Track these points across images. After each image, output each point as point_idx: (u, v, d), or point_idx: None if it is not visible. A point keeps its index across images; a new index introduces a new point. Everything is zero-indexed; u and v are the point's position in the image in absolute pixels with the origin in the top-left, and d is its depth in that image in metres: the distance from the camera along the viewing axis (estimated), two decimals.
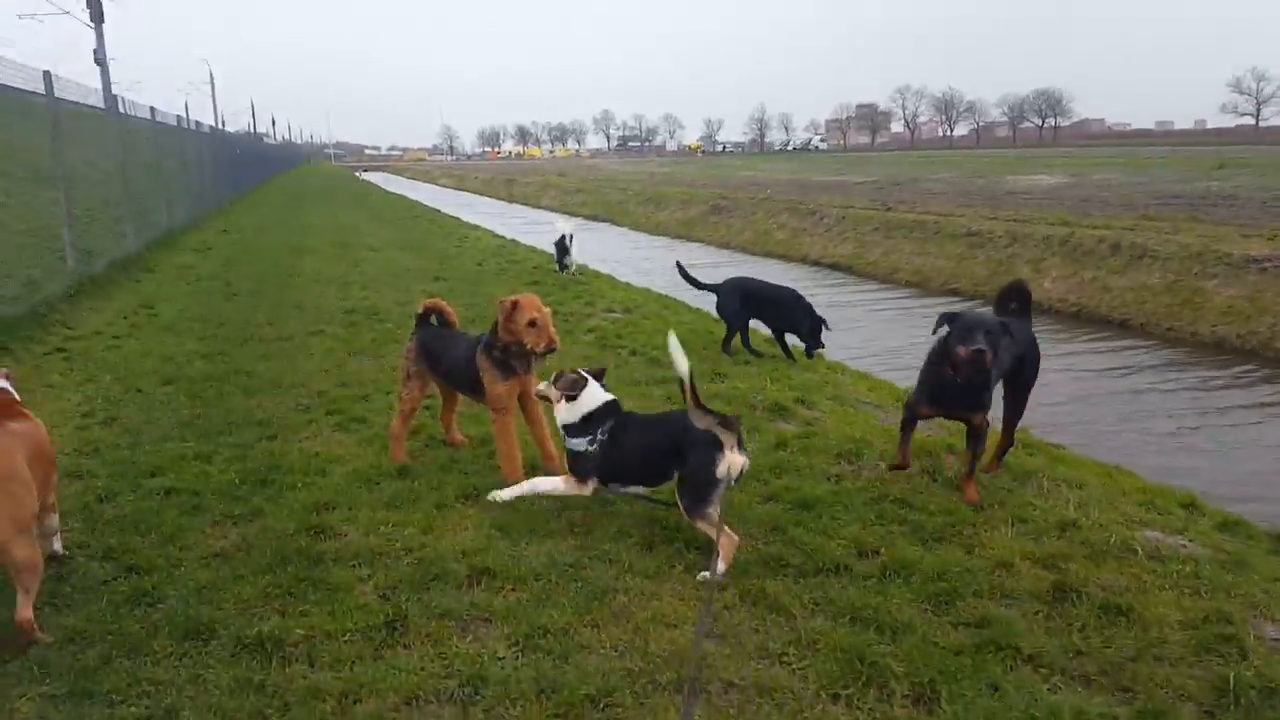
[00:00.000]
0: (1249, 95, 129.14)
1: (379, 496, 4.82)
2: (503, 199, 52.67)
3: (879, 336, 13.56)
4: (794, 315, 8.41)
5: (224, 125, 38.83)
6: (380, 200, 38.32)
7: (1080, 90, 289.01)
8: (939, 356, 4.85)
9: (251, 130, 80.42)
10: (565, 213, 37.86)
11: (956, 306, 17.25)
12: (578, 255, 14.63)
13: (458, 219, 27.30)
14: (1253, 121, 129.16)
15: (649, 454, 4.27)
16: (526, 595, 3.74)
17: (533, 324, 4.74)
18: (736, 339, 8.48)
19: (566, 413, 4.42)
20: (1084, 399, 10.20)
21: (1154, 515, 4.85)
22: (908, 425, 5.13)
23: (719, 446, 4.02)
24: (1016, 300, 5.35)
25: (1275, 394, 10.77)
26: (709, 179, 49.36)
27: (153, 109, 18.96)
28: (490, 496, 4.51)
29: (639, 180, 51.02)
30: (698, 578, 3.93)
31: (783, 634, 3.48)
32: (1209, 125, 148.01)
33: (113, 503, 4.75)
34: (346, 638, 3.42)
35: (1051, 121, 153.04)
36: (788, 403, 6.60)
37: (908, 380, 9.35)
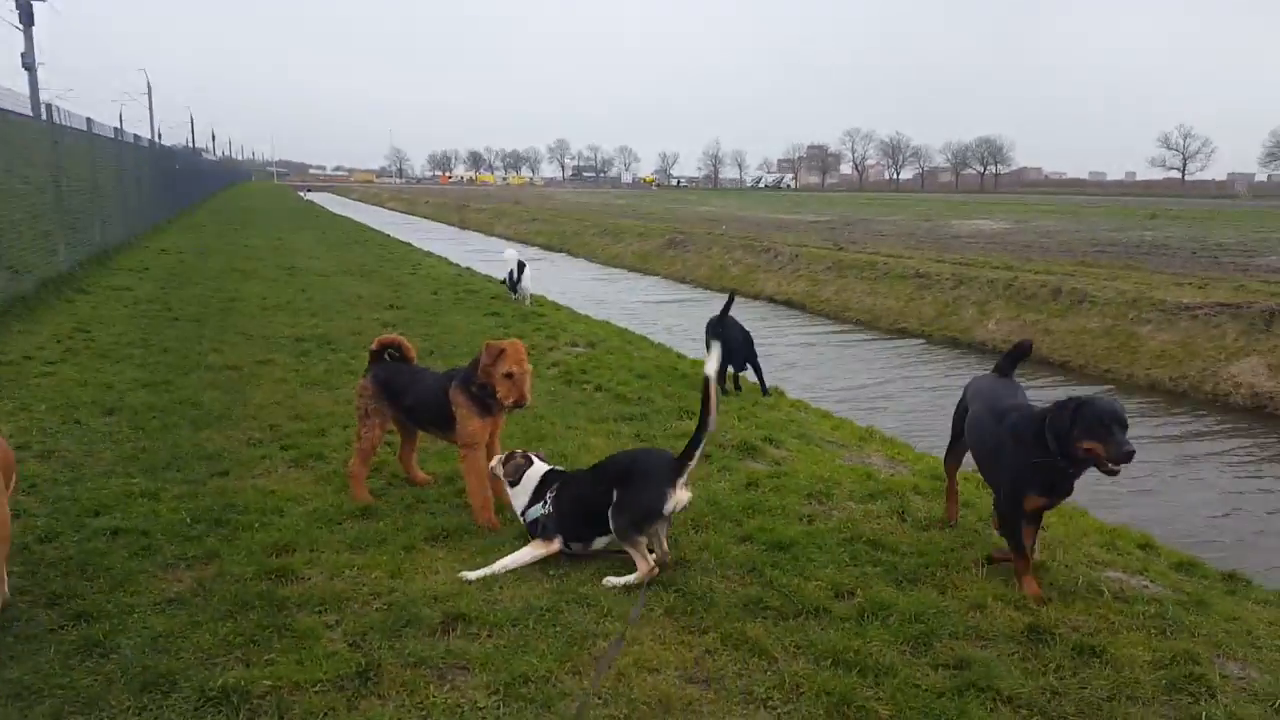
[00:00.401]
0: (1176, 150, 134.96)
1: (341, 538, 4.65)
2: (455, 225, 52.31)
3: (835, 374, 13.70)
4: (752, 352, 9.14)
5: (161, 139, 37.82)
6: (327, 222, 37.76)
7: (1020, 140, 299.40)
8: (1044, 440, 4.13)
9: (190, 145, 78.50)
10: (520, 242, 37.92)
11: (904, 344, 17.65)
12: (532, 285, 14.63)
13: (409, 245, 27.00)
14: (1179, 175, 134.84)
15: (591, 505, 4.40)
16: (504, 641, 3.62)
17: (509, 376, 4.76)
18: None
19: (517, 494, 4.70)
20: None
21: (1115, 556, 4.91)
22: (1016, 522, 4.32)
23: (669, 482, 4.20)
24: (1022, 359, 5.10)
25: (1211, 436, 11.10)
26: (665, 212, 49.74)
27: (89, 120, 18.39)
28: (460, 576, 4.23)
29: (595, 211, 51.21)
30: (604, 582, 4.17)
31: (766, 678, 3.42)
32: (1138, 177, 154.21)
33: (55, 543, 4.49)
34: (317, 688, 3.26)
35: (993, 169, 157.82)
36: (756, 441, 6.58)
37: (867, 418, 9.62)
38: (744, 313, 21.54)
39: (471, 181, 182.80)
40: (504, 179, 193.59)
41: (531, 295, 14.80)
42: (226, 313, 12.14)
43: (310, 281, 15.78)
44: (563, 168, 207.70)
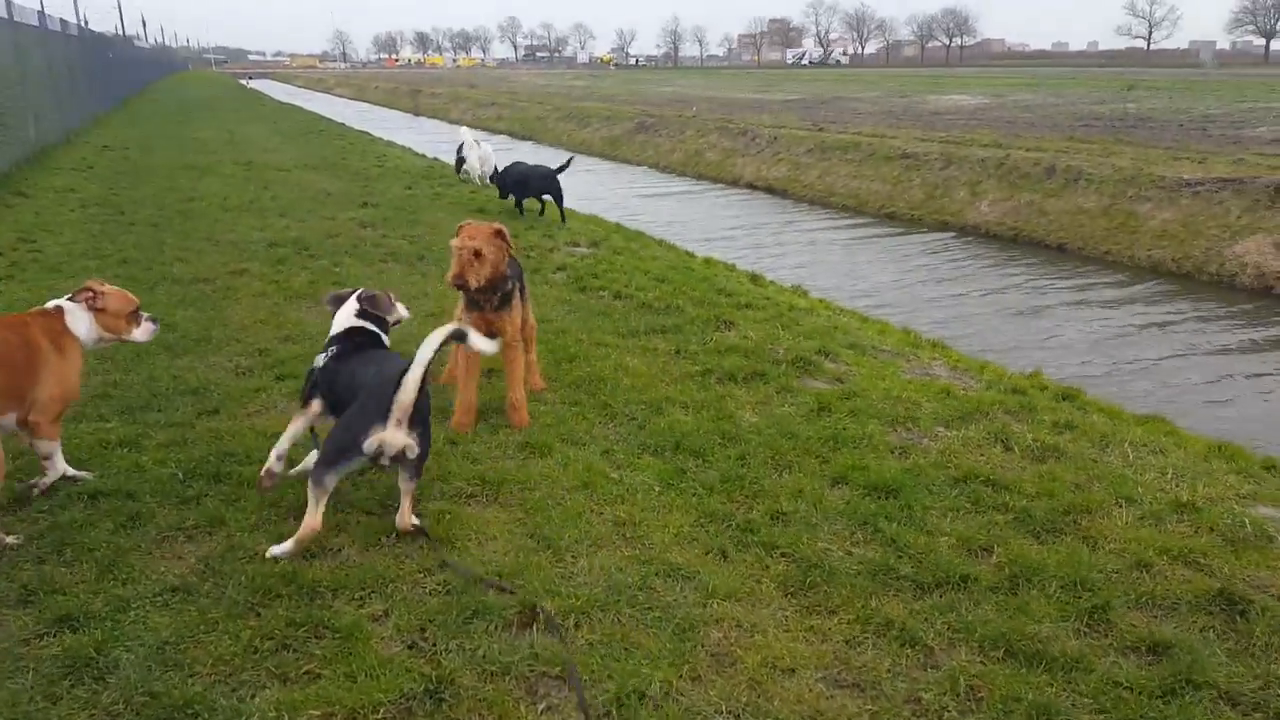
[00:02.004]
0: (1143, 18, 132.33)
1: (369, 492, 3.92)
2: (408, 112, 49.86)
3: (851, 272, 12.91)
4: (552, 185, 11.28)
5: (88, 24, 34.80)
6: (275, 111, 35.55)
7: (984, 10, 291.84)
8: None
9: (120, 33, 73.40)
10: (481, 129, 36.07)
11: (914, 237, 16.95)
12: (481, 167, 14.21)
13: (369, 134, 25.36)
14: (1144, 44, 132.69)
15: (346, 390, 3.61)
16: (596, 637, 2.95)
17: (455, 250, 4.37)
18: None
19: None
20: (1076, 343, 9.77)
21: (1251, 485, 4.33)
22: None
23: (381, 415, 3.32)
24: None
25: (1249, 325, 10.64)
26: (629, 95, 47.72)
27: (9, 2, 16.48)
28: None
29: (555, 95, 48.97)
30: (269, 553, 3.40)
31: (929, 677, 2.80)
32: (1100, 47, 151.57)
33: (21, 515, 3.69)
34: (379, 715, 2.58)
35: (958, 41, 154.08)
36: (809, 354, 5.87)
37: (903, 320, 8.90)
38: (724, 200, 20.88)
39: (420, 64, 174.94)
40: (454, 61, 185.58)
41: (484, 175, 14.16)
42: (186, 216, 11.01)
43: (272, 177, 14.53)
44: (515, 48, 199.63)
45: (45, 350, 3.69)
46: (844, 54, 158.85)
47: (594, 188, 21.06)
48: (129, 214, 11.08)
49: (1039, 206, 17.13)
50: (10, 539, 3.47)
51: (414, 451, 3.39)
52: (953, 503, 3.90)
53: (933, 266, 13.51)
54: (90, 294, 3.87)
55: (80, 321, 3.85)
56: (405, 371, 3.31)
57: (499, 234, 4.43)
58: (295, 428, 3.83)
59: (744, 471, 4.13)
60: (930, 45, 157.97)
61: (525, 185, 11.58)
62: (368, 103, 58.68)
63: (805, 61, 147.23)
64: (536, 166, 11.88)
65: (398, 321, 4.13)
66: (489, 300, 4.49)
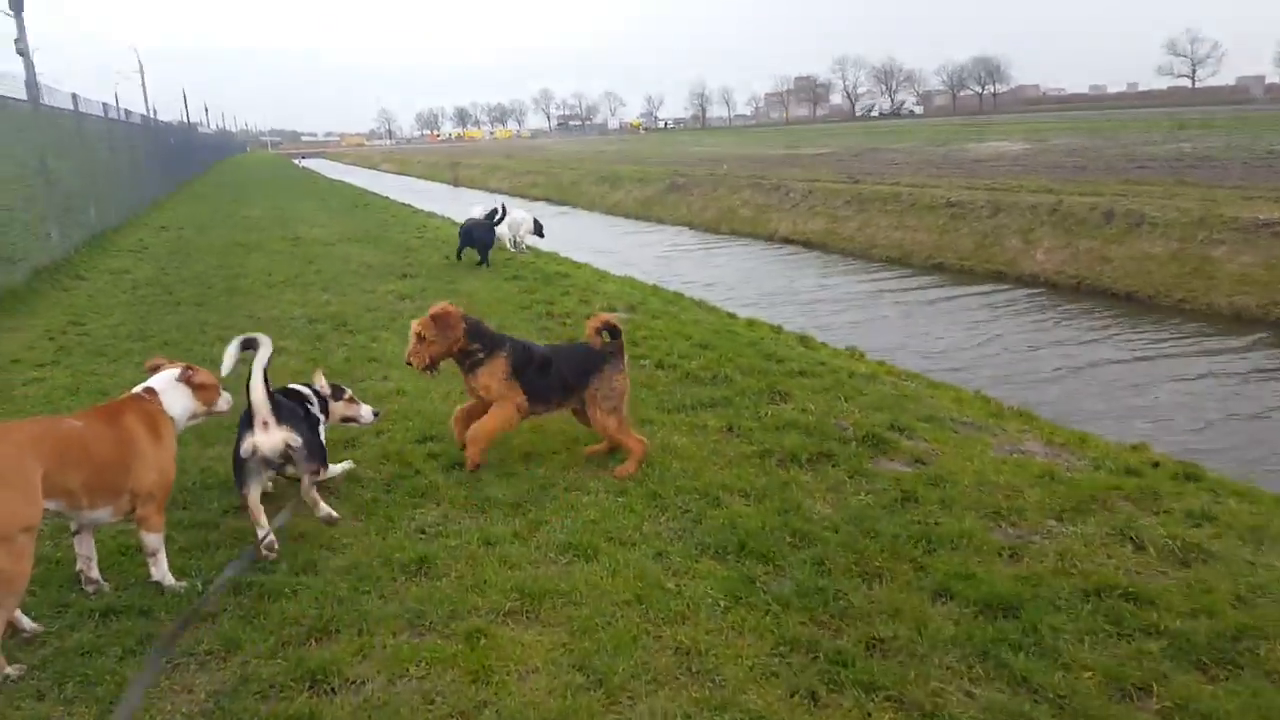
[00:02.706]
0: (1184, 56, 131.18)
1: (397, 608, 3.46)
2: (449, 183, 50.62)
3: (913, 331, 12.24)
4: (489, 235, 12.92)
5: (156, 115, 36.02)
6: (325, 188, 36.17)
7: (1015, 56, 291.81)
8: None
9: (185, 120, 76.33)
10: (519, 196, 36.37)
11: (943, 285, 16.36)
12: (516, 233, 14.39)
13: (411, 206, 25.50)
14: (1188, 83, 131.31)
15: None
16: None
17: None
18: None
19: None
20: (1169, 404, 8.99)
21: None
22: None
23: (246, 421, 3.98)
24: None
25: None
26: (660, 156, 48.02)
27: (75, 95, 16.93)
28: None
29: (588, 159, 49.43)
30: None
31: None
32: (1140, 88, 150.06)
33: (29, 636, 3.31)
34: None
35: (990, 88, 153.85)
36: (881, 430, 5.34)
37: (972, 381, 8.30)
38: (758, 255, 20.46)
39: (459, 138, 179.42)
40: (491, 133, 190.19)
41: (517, 241, 14.44)
42: (231, 293, 10.88)
43: (316, 252, 14.46)
44: (548, 118, 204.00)
45: (141, 439, 3.59)
46: (916, 104, 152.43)
47: (628, 249, 20.85)
48: (176, 293, 10.98)
49: (1100, 253, 16.41)
50: (10, 670, 3.13)
51: (295, 441, 3.96)
52: (1088, 623, 3.30)
53: (998, 322, 12.86)
54: (190, 370, 3.92)
55: (176, 401, 3.83)
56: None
57: (435, 318, 4.81)
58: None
59: (824, 582, 3.60)
60: (962, 94, 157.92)
61: (470, 236, 13.04)
62: (411, 176, 59.81)
63: (875, 114, 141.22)
64: (480, 220, 13.45)
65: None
66: (463, 364, 4.94)
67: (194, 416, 3.96)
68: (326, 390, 4.74)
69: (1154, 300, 14.24)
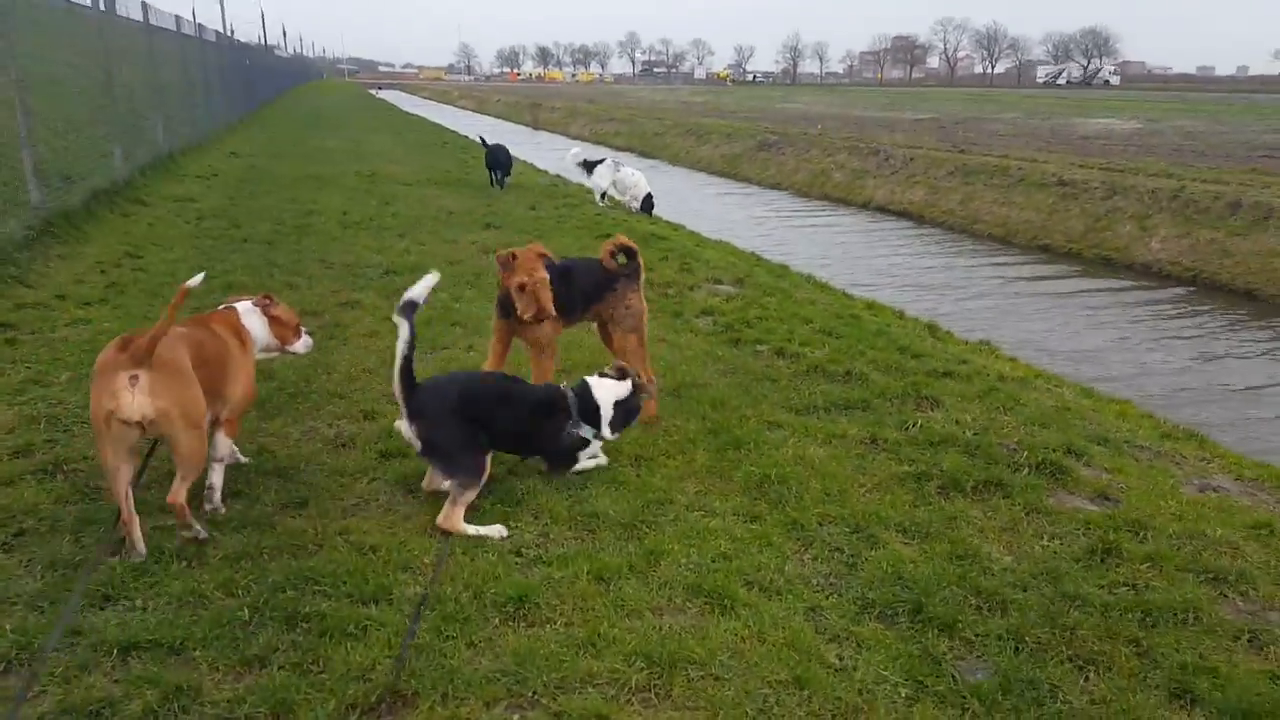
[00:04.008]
0: None
1: (486, 664, 2.78)
2: (527, 125, 49.81)
3: (1044, 323, 11.10)
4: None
5: (233, 34, 35.67)
6: (402, 122, 35.65)
7: (1122, 29, 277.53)
8: None
9: (262, 42, 76.29)
10: (598, 144, 35.47)
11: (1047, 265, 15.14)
12: (606, 183, 14.01)
13: None
14: None
15: None
16: None
17: (521, 288, 4.34)
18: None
19: None
20: None
21: None
22: None
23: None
24: None
25: None
26: (748, 110, 46.47)
27: (145, 5, 16.37)
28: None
29: (673, 110, 48.09)
30: None
31: None
32: (1251, 72, 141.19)
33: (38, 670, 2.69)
34: None
35: (1096, 63, 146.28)
36: (1055, 454, 4.48)
37: (1125, 391, 7.29)
38: (856, 225, 19.34)
39: (539, 78, 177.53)
40: (573, 75, 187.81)
41: (607, 194, 13.96)
42: (302, 232, 10.31)
43: (393, 192, 13.85)
44: (633, 62, 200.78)
45: (234, 348, 3.77)
46: (1113, 72, 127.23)
47: (721, 211, 19.88)
48: (244, 228, 10.45)
49: (1222, 246, 15.18)
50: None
51: (415, 444, 3.67)
52: None
53: (1140, 321, 11.67)
54: (267, 300, 4.02)
55: (254, 325, 3.94)
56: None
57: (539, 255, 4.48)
58: None
59: (1031, 669, 2.82)
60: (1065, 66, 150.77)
61: (494, 158, 14.87)
62: (489, 115, 59.08)
63: (1062, 81, 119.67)
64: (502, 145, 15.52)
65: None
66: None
67: (267, 349, 4.04)
68: None
69: (1276, 300, 13.02)
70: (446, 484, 3.64)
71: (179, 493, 3.30)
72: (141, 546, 3.26)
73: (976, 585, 3.29)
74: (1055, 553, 3.59)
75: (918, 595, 3.17)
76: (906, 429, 4.79)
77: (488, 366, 4.71)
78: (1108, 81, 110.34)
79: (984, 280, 13.97)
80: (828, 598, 3.20)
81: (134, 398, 3.10)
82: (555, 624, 2.95)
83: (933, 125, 35.44)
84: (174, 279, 7.77)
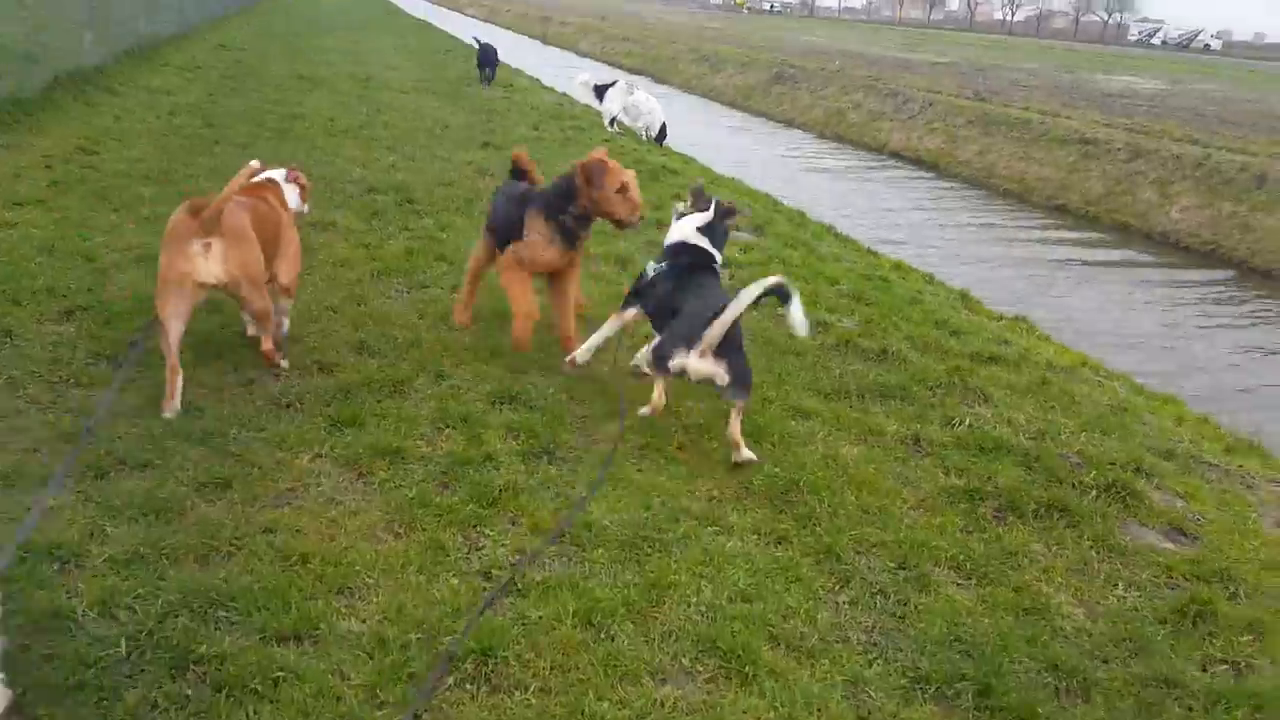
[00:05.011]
0: None
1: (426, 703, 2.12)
2: (537, 38, 47.91)
3: (1082, 300, 10.21)
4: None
5: None
6: (407, 26, 34.01)
7: None
8: None
9: None
10: (607, 63, 34.02)
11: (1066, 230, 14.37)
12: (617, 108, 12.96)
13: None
14: None
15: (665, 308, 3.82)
16: None
17: (623, 190, 4.17)
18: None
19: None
20: None
21: None
22: None
23: (688, 344, 3.53)
24: None
25: None
26: (765, 40, 44.67)
27: None
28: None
29: (687, 34, 46.24)
30: None
31: None
32: (1268, 39, 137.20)
33: None
34: None
35: (1117, 18, 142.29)
36: (1124, 473, 3.81)
37: (1169, 384, 6.52)
38: (873, 171, 18.42)
39: None
40: None
41: (616, 120, 12.95)
42: (282, 137, 9.41)
43: (388, 99, 12.84)
44: None
45: (285, 217, 4.11)
46: (1215, 36, 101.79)
47: (735, 146, 18.86)
48: (219, 128, 9.54)
49: (1243, 220, 14.49)
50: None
51: (722, 379, 3.51)
52: None
53: (1184, 305, 10.90)
54: (296, 171, 4.44)
55: (291, 196, 4.29)
56: (720, 311, 3.49)
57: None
58: (609, 329, 4.11)
59: None
60: (1086, 19, 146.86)
61: (485, 56, 15.62)
62: (498, 25, 56.83)
63: (1157, 41, 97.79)
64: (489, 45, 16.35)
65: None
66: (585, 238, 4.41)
67: (298, 217, 4.40)
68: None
69: None
70: (740, 401, 3.55)
71: (265, 343, 3.81)
72: (178, 402, 3.44)
73: (1050, 655, 2.66)
74: (1135, 608, 2.96)
75: (983, 669, 2.53)
76: (953, 426, 4.12)
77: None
78: (1208, 46, 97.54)
79: (1005, 242, 13.21)
80: (872, 664, 2.55)
81: (208, 263, 3.42)
82: (527, 690, 2.28)
83: (953, 70, 34.06)
84: (126, 181, 6.94)
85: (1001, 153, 19.56)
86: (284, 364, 3.88)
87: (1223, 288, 12.24)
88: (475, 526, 2.95)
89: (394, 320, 4.66)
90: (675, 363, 3.53)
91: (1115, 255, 13.50)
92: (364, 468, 3.24)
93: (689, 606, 2.66)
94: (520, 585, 2.65)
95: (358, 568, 2.67)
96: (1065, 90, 29.44)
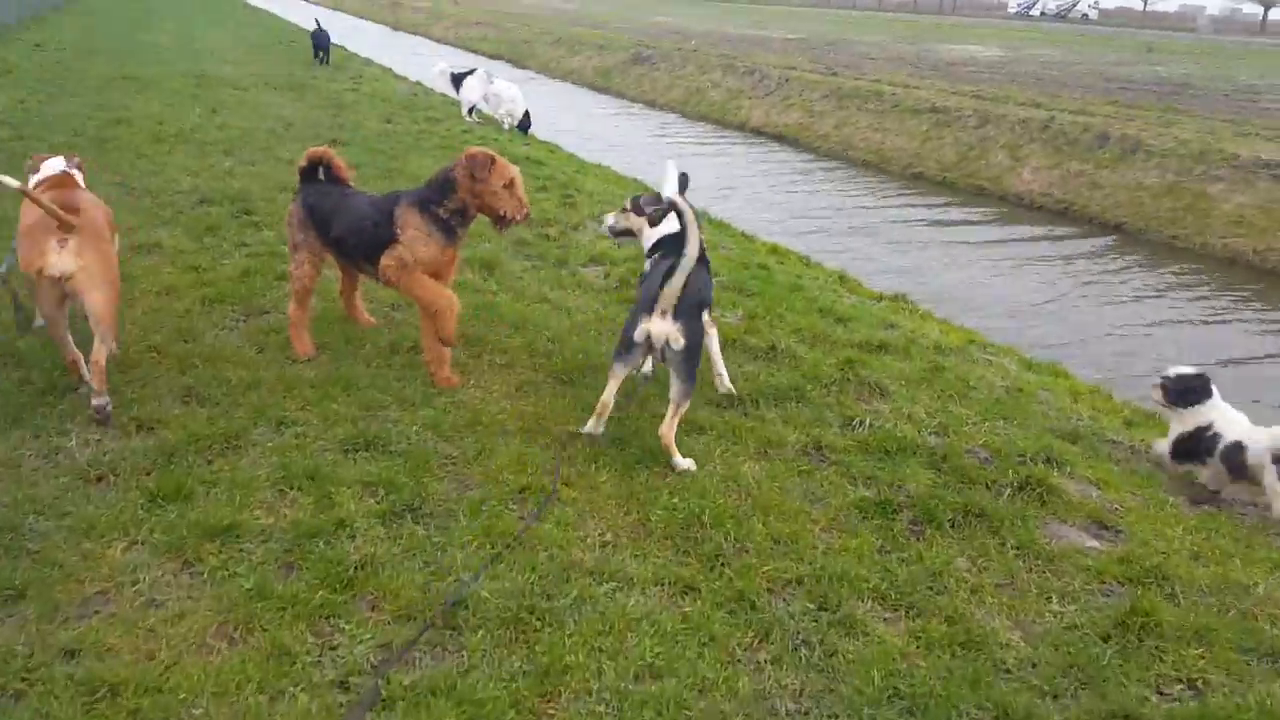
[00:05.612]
0: None
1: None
2: (388, 25, 46.09)
3: (958, 277, 10.18)
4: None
5: None
6: (247, 17, 31.99)
7: None
8: None
9: None
10: (463, 49, 32.96)
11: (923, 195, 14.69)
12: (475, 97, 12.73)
13: (343, 48, 22.30)
14: (1139, 5, 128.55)
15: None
16: None
17: (510, 186, 3.90)
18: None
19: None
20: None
21: None
22: None
23: (648, 308, 3.47)
24: None
25: None
26: (621, 20, 44.37)
27: None
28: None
29: (542, 16, 45.42)
30: None
31: None
32: (1154, 8, 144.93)
33: None
34: None
35: None
36: (1031, 463, 3.64)
37: (1016, 339, 6.55)
38: (734, 148, 18.36)
39: None
40: None
41: (475, 109, 12.76)
42: (102, 145, 8.46)
43: (224, 97, 11.84)
44: None
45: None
46: (1092, 5, 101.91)
47: (600, 129, 18.44)
48: (30, 139, 8.49)
49: (1091, 178, 15.19)
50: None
51: (677, 341, 3.39)
52: None
53: (1053, 265, 11.06)
54: (75, 156, 4.46)
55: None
56: (672, 272, 3.41)
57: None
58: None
59: None
60: None
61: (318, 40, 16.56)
62: (345, 11, 54.37)
63: (1037, 12, 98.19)
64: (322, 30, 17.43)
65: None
66: (463, 234, 4.13)
67: None
68: None
69: (1142, 233, 13.00)
70: (674, 392, 3.42)
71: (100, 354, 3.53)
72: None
73: (997, 698, 2.39)
74: (1075, 625, 2.75)
75: None
76: (853, 429, 3.86)
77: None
78: (1085, 15, 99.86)
79: (871, 211, 13.30)
80: None
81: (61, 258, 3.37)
82: None
83: (804, 46, 34.57)
84: None
85: (858, 125, 19.88)
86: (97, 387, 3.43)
87: (1081, 242, 12.67)
88: (328, 618, 2.46)
89: (228, 357, 4.06)
90: (640, 330, 3.41)
91: (974, 217, 13.79)
92: (190, 554, 2.69)
93: (590, 696, 2.26)
94: (385, 694, 2.20)
95: (182, 694, 2.16)
96: (910, 61, 30.29)
